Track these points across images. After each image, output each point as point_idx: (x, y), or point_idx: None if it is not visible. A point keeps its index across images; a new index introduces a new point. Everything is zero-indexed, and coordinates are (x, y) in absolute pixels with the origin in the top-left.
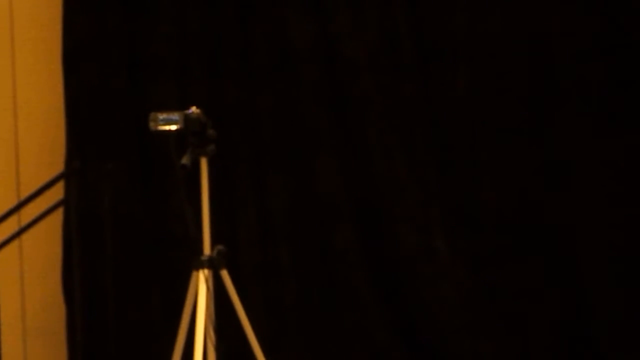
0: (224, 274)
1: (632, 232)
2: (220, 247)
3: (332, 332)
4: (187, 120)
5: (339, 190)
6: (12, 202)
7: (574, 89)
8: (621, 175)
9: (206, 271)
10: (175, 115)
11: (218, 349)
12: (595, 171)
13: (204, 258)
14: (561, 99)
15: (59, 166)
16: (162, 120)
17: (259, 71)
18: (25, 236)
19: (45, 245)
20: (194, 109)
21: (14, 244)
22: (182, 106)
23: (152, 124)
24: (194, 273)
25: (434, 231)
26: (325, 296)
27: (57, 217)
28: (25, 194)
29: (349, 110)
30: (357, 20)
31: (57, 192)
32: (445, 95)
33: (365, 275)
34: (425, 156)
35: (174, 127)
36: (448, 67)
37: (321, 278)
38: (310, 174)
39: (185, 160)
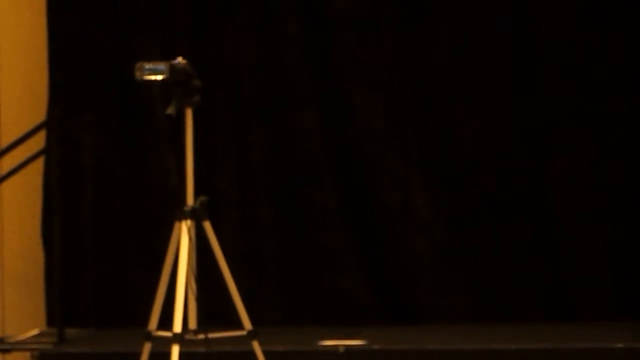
0: (207, 225)
1: (612, 195)
2: (203, 198)
3: (310, 287)
4: (173, 70)
5: (320, 146)
6: None
7: (558, 51)
8: (602, 139)
9: (189, 222)
10: (161, 65)
11: (199, 300)
12: (577, 135)
13: (186, 209)
14: (544, 60)
15: (40, 116)
16: (148, 69)
17: (243, 25)
18: (5, 185)
19: (24, 194)
20: (180, 59)
21: None
22: (165, 59)
23: (137, 74)
24: (177, 224)
25: (413, 189)
26: (303, 251)
27: (38, 166)
28: (5, 142)
29: (331, 65)
30: None
31: (38, 142)
32: (428, 52)
33: (344, 231)
34: (407, 114)
35: (159, 77)
36: (431, 24)
37: (300, 232)
38: (292, 129)
39: (170, 110)
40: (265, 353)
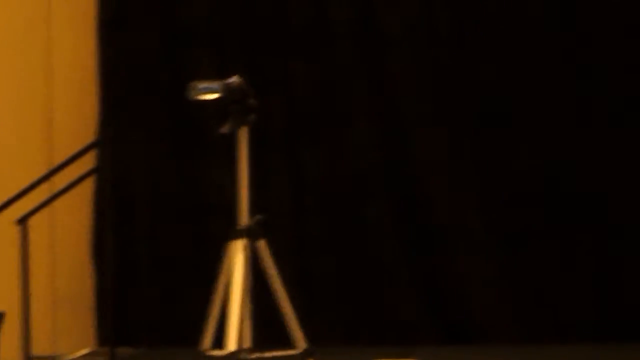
0: (262, 244)
1: None
2: (258, 216)
3: (363, 305)
4: (228, 89)
5: (374, 163)
6: (44, 169)
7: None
8: None
9: (243, 240)
10: (215, 84)
11: (253, 319)
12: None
13: (241, 227)
14: (593, 82)
15: (92, 134)
16: (201, 89)
17: (295, 42)
18: (56, 203)
19: (76, 213)
20: (235, 78)
21: (45, 211)
22: (217, 75)
23: (191, 93)
24: (231, 242)
25: (467, 207)
26: (357, 268)
27: (89, 185)
28: (57, 161)
29: (384, 82)
30: None
31: (89, 160)
32: (482, 68)
33: (397, 248)
34: (462, 130)
35: (213, 96)
36: (484, 38)
37: (353, 250)
38: (345, 146)
39: (225, 129)
40: None
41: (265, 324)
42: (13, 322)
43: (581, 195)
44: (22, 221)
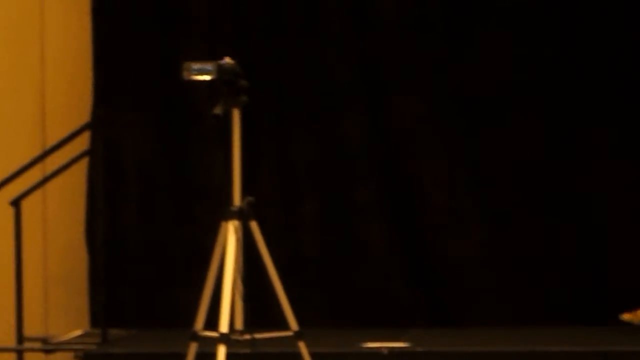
0: (253, 225)
1: None
2: (249, 198)
3: (353, 288)
4: (221, 70)
5: (364, 147)
6: (37, 151)
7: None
8: None
9: (235, 222)
10: (209, 65)
11: (245, 300)
12: (626, 140)
13: (233, 209)
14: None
15: (84, 116)
16: (195, 69)
17: (287, 27)
18: (48, 186)
19: (68, 195)
20: (227, 59)
21: (38, 192)
22: (210, 57)
23: (185, 74)
24: (223, 223)
25: (457, 189)
26: (346, 250)
27: (81, 167)
28: (50, 143)
29: (374, 67)
30: None
31: (82, 142)
32: (471, 54)
33: (388, 232)
34: (451, 115)
35: (207, 77)
36: (474, 26)
37: (343, 232)
38: (335, 129)
39: (217, 110)
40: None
41: (257, 305)
42: (6, 304)
43: (573, 180)
44: (15, 203)
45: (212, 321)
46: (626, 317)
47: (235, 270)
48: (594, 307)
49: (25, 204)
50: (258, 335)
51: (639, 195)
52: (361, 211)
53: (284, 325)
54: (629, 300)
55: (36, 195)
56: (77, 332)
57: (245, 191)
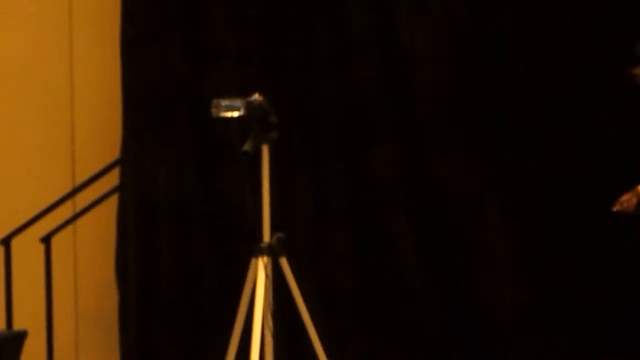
0: (283, 262)
1: None
2: (279, 234)
3: (386, 321)
4: (250, 107)
5: (395, 179)
6: (67, 188)
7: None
8: None
9: (265, 258)
10: (237, 102)
11: (276, 337)
12: None
13: (263, 245)
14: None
15: (115, 152)
16: (224, 106)
17: (319, 59)
18: (79, 221)
19: (99, 231)
20: (256, 95)
21: (69, 229)
22: (241, 93)
23: (214, 110)
24: (253, 260)
25: (490, 223)
26: (379, 285)
27: (112, 203)
28: (80, 179)
29: (407, 99)
30: (416, 10)
31: (112, 178)
32: (504, 85)
33: (421, 265)
34: (483, 147)
35: (236, 114)
36: (506, 57)
37: (376, 266)
38: (368, 162)
39: (247, 146)
40: None
41: (288, 340)
42: (37, 340)
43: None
44: (46, 239)
45: (242, 359)
46: None
47: (265, 307)
48: (634, 341)
49: (56, 241)
50: None
51: None
52: (394, 244)
53: None
54: None
55: (67, 232)
56: None
57: (277, 226)
